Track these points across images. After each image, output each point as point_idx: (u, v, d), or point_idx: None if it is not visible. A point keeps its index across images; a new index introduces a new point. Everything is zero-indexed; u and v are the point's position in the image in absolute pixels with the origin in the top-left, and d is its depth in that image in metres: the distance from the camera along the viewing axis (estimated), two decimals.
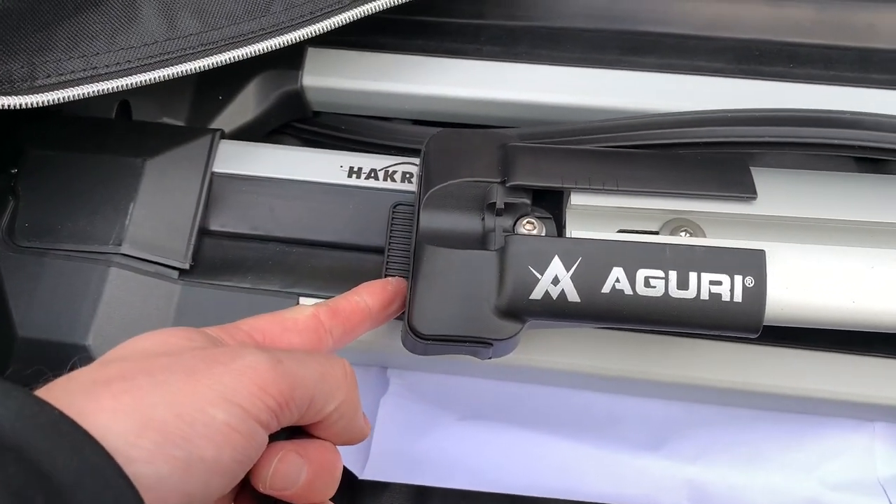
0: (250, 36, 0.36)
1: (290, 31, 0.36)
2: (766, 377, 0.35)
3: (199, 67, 0.35)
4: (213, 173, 0.40)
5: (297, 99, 0.43)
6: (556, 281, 0.31)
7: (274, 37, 0.36)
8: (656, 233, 0.33)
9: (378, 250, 0.37)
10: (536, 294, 0.31)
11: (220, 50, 0.35)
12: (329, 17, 0.37)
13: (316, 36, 0.38)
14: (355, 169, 0.39)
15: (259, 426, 0.24)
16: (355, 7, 0.37)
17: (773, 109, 0.35)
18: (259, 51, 0.36)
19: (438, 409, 0.37)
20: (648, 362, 0.36)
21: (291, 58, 0.43)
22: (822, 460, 0.36)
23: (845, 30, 0.44)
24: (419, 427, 0.36)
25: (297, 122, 0.46)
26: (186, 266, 0.38)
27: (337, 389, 0.27)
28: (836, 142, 0.33)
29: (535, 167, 0.34)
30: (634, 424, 0.37)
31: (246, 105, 0.43)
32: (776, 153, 0.41)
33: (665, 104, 0.40)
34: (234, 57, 0.35)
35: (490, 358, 0.33)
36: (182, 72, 0.35)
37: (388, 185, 0.39)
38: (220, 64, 0.35)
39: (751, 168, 0.33)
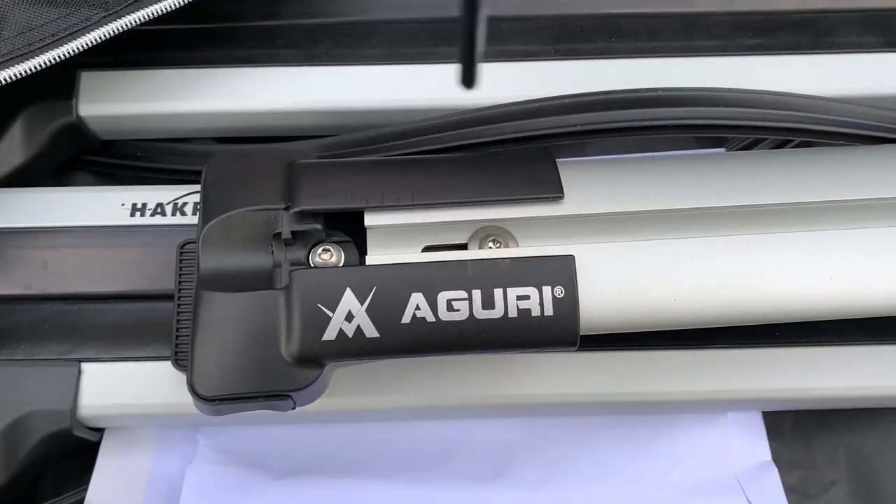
0: None
1: (29, 58, 0.31)
2: (607, 384, 0.33)
3: None
4: None
5: (76, 131, 0.38)
6: (349, 317, 0.27)
7: (9, 66, 0.31)
8: (465, 245, 0.30)
9: (170, 297, 0.32)
10: (329, 334, 0.27)
11: None
12: (76, 38, 0.32)
13: (84, 59, 0.33)
14: (139, 206, 0.35)
15: None
16: (107, 24, 0.32)
17: (581, 95, 0.32)
18: None
19: (254, 470, 0.33)
20: (477, 384, 0.33)
21: (62, 86, 0.37)
22: (674, 464, 0.34)
23: None
24: (231, 496, 0.32)
25: (87, 154, 0.41)
26: None
27: None
28: (648, 123, 0.31)
29: (321, 187, 0.30)
30: (473, 453, 0.33)
31: (14, 146, 0.37)
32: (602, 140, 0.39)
33: (478, 97, 0.36)
34: None
35: (294, 409, 0.29)
36: None
37: (177, 220, 0.34)
38: None
39: (559, 162, 0.30)
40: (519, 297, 0.27)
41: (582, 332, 0.28)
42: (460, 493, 0.32)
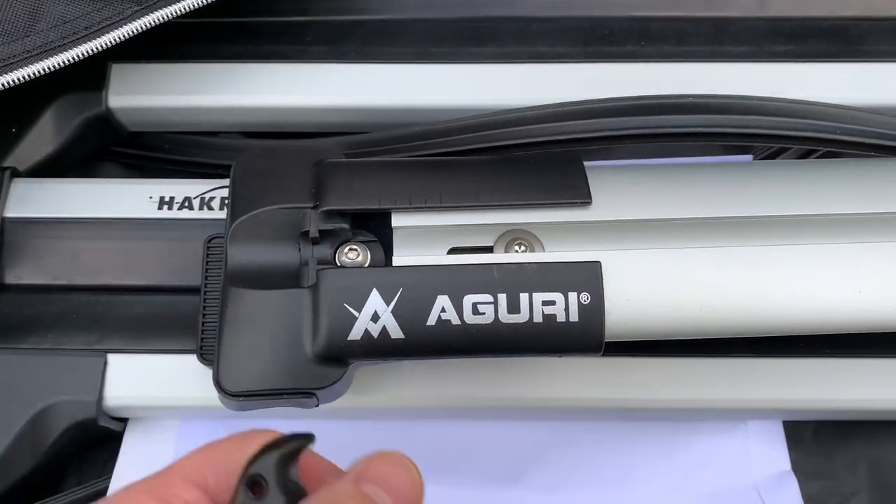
0: (12, 61, 0.31)
1: (62, 51, 0.31)
2: (628, 390, 0.33)
3: None
4: (3, 219, 0.35)
5: (105, 122, 0.38)
6: (375, 317, 0.28)
7: (42, 59, 0.31)
8: (490, 248, 0.30)
9: (196, 290, 0.33)
10: (355, 334, 0.28)
11: None
12: (109, 32, 0.32)
13: (115, 51, 0.33)
14: (166, 199, 0.35)
15: None
16: (140, 18, 0.32)
17: (611, 100, 0.32)
18: (26, 76, 0.31)
19: None
20: (498, 386, 0.33)
21: (92, 77, 0.38)
22: (694, 470, 0.33)
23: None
24: None
25: (115, 146, 0.41)
26: None
27: None
28: (677, 130, 0.31)
29: (350, 187, 0.30)
30: (492, 454, 0.33)
31: (44, 136, 0.38)
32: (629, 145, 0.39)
33: (506, 98, 0.36)
34: None
35: (318, 406, 0.29)
36: None
37: (205, 214, 0.35)
38: None
39: (587, 167, 0.30)
40: (545, 303, 0.27)
41: (607, 339, 0.28)
42: (479, 492, 0.32)
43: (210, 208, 0.35)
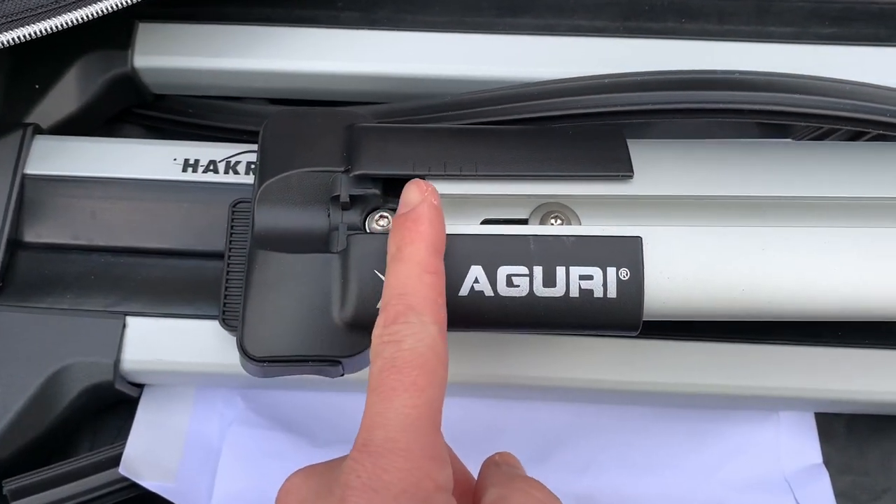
0: (40, 11, 0.30)
1: (93, 3, 0.31)
2: (659, 374, 0.32)
3: None
4: (24, 175, 0.34)
5: (129, 83, 0.37)
6: None
7: (72, 10, 0.30)
8: (525, 221, 0.29)
9: (219, 255, 0.32)
10: None
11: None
12: None
13: (142, 10, 0.33)
14: (191, 161, 0.34)
15: None
16: None
17: (654, 73, 0.31)
18: (55, 27, 0.30)
19: (294, 436, 0.32)
20: (527, 364, 0.32)
21: (118, 36, 0.37)
22: (724, 460, 0.33)
23: None
24: (271, 460, 0.32)
25: (138, 108, 0.40)
26: None
27: None
28: (724, 106, 0.29)
29: (383, 152, 0.29)
30: (518, 435, 0.33)
31: (68, 94, 0.37)
32: (669, 121, 0.38)
33: (541, 71, 0.35)
34: (17, 37, 0.29)
35: (343, 375, 0.29)
36: None
37: (230, 178, 0.34)
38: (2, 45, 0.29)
39: (628, 141, 0.29)
40: (582, 277, 0.26)
41: (644, 318, 0.27)
42: None
43: (235, 172, 0.34)
